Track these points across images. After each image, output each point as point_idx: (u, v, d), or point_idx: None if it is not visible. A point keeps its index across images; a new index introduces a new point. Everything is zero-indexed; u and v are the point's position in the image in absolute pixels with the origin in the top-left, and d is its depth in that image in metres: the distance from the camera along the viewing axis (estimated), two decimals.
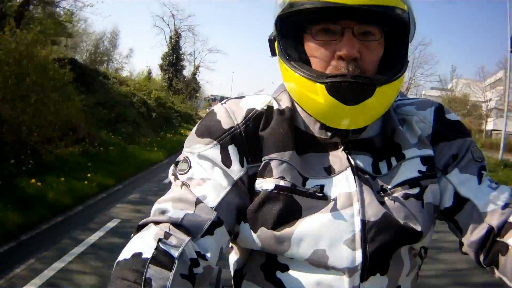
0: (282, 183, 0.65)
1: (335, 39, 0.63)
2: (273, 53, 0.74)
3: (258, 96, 0.74)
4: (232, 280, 0.76)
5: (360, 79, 0.61)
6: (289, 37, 0.68)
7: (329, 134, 0.69)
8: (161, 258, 0.53)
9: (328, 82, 0.61)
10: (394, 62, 0.67)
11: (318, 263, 0.64)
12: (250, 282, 0.72)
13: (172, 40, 29.93)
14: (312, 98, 0.64)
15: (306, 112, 0.71)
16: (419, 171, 0.68)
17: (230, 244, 0.78)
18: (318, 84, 0.62)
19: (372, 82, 0.62)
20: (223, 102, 0.74)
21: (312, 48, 0.65)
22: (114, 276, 0.51)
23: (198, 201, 0.62)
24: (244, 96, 0.75)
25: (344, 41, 0.62)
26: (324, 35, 0.64)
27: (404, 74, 0.67)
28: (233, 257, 0.77)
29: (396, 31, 0.67)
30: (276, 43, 0.71)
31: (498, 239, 0.64)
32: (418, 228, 0.65)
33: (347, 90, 0.61)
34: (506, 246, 0.62)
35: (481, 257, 0.67)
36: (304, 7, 0.61)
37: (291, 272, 0.67)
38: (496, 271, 0.65)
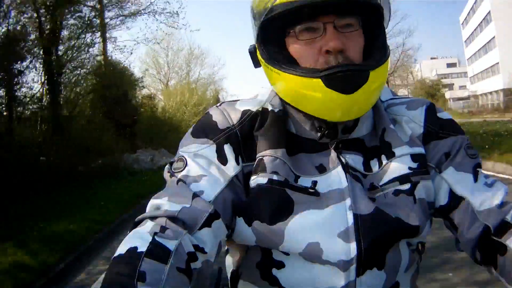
0: (275, 177, 0.66)
1: (318, 35, 0.64)
2: (256, 65, 0.75)
3: (253, 99, 0.76)
4: (229, 281, 0.77)
5: (353, 66, 0.63)
6: (272, 43, 0.69)
7: (319, 134, 0.70)
8: (157, 251, 0.53)
9: (323, 75, 0.61)
10: (375, 49, 0.68)
11: (312, 257, 0.65)
12: (246, 282, 0.72)
13: None
14: (310, 95, 0.64)
15: (297, 115, 0.72)
16: (410, 168, 0.68)
17: (226, 247, 0.78)
18: (314, 79, 0.62)
19: (365, 68, 0.64)
20: (218, 105, 0.76)
21: (297, 48, 0.66)
22: (108, 271, 0.51)
23: (194, 195, 0.63)
24: (238, 100, 0.77)
25: (328, 35, 0.63)
26: (307, 33, 0.65)
27: (389, 57, 0.68)
28: (229, 258, 0.78)
29: (372, 19, 0.69)
30: (258, 53, 0.73)
31: (495, 238, 0.64)
32: (412, 222, 0.66)
33: (343, 79, 0.61)
34: (504, 246, 0.62)
35: (478, 256, 0.67)
36: (286, 7, 0.62)
37: (286, 269, 0.67)
38: (493, 271, 0.65)
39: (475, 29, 40.79)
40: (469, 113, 32.28)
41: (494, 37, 35.12)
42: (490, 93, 37.76)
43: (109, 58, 13.05)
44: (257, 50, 0.73)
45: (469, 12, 42.65)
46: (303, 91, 0.65)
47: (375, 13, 0.68)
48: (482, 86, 39.82)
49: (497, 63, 35.17)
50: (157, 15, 12.77)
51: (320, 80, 0.62)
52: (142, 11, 12.57)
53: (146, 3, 12.50)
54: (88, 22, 10.77)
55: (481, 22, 38.38)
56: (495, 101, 35.41)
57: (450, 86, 52.66)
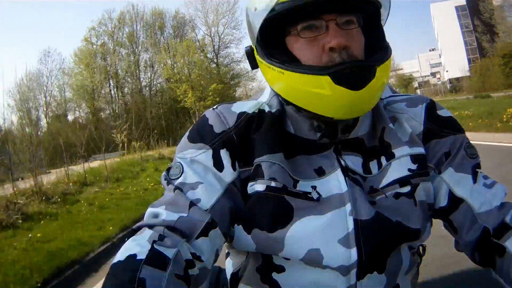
0: (273, 184, 0.65)
1: (321, 33, 0.63)
2: (253, 66, 0.74)
3: (249, 101, 0.75)
4: (228, 284, 0.77)
5: (360, 62, 0.62)
6: (273, 42, 0.68)
7: (318, 135, 0.69)
8: (156, 258, 0.53)
9: (332, 71, 0.60)
10: (377, 46, 0.67)
11: (313, 262, 0.65)
12: (247, 286, 0.72)
13: None
14: (317, 92, 0.62)
15: (295, 115, 0.71)
16: (409, 170, 0.67)
17: (227, 250, 0.78)
18: (322, 76, 0.61)
19: (372, 63, 0.63)
20: (214, 107, 0.75)
21: (300, 47, 0.65)
22: (107, 278, 0.51)
23: (191, 204, 0.63)
24: (235, 102, 0.76)
25: (331, 33, 0.62)
26: (309, 31, 0.64)
27: (391, 55, 0.67)
28: (229, 262, 0.78)
29: (370, 17, 0.68)
30: (256, 54, 0.71)
31: (494, 240, 0.63)
32: (413, 226, 0.65)
33: (352, 75, 0.60)
34: (503, 248, 0.62)
35: (477, 257, 0.67)
36: (289, 6, 0.61)
37: (287, 273, 0.67)
38: (492, 272, 0.65)
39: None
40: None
41: None
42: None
43: None
44: (255, 51, 0.71)
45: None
46: (310, 89, 0.63)
47: (374, 10, 0.67)
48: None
49: None
50: None
51: (328, 77, 0.60)
52: None
53: None
54: None
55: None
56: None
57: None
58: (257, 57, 0.71)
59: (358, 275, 0.64)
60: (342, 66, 0.60)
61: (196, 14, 38.17)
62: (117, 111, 30.88)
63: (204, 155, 0.68)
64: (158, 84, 33.68)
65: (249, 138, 0.69)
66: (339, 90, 0.60)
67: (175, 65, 30.80)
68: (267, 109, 0.72)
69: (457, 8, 46.12)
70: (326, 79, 0.60)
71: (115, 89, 32.17)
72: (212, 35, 33.95)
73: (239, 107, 0.73)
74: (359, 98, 0.62)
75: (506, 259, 0.61)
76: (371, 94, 0.63)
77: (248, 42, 0.76)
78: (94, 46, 31.07)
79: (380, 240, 0.64)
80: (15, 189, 5.64)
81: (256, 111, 0.71)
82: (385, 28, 0.70)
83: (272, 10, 0.62)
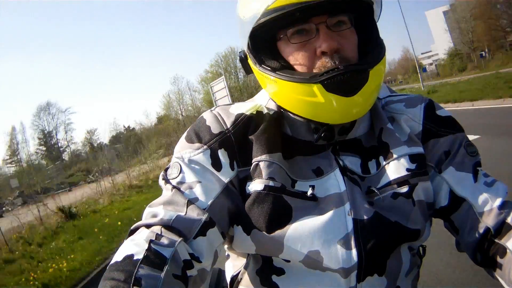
0: (271, 183, 0.64)
1: (311, 37, 0.63)
2: (248, 72, 0.74)
3: (247, 103, 0.75)
4: (228, 286, 0.76)
5: (352, 67, 0.61)
6: (264, 49, 0.67)
7: (316, 137, 0.68)
8: (153, 258, 0.53)
9: (323, 79, 0.60)
10: (370, 46, 0.66)
11: (313, 264, 0.64)
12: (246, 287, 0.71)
13: None
14: (310, 101, 0.62)
15: (293, 117, 0.71)
16: (408, 169, 0.67)
17: (227, 253, 0.77)
18: (314, 84, 0.60)
19: (364, 67, 0.62)
20: (212, 109, 0.75)
21: (291, 52, 0.65)
22: (104, 278, 0.51)
23: (189, 203, 0.62)
24: (233, 103, 0.75)
25: (322, 36, 0.62)
26: (299, 36, 0.63)
27: (385, 53, 0.66)
28: (229, 264, 0.77)
29: (362, 14, 0.67)
30: (250, 60, 0.71)
31: (495, 240, 0.63)
32: (412, 226, 0.64)
33: (344, 81, 0.60)
34: (504, 248, 0.61)
35: (478, 257, 0.66)
36: (279, 12, 0.60)
37: (286, 275, 0.67)
38: (493, 272, 0.64)
39: None
40: None
41: None
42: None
43: None
44: (248, 57, 0.71)
45: None
46: (302, 97, 0.63)
47: (366, 9, 0.66)
48: None
49: None
50: None
51: (320, 85, 0.60)
52: None
53: None
54: None
55: None
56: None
57: None
58: (250, 63, 0.71)
59: (358, 278, 0.63)
60: (333, 73, 0.60)
61: None
62: None
63: (202, 154, 0.68)
64: None
65: (247, 139, 0.69)
66: (332, 97, 0.60)
67: None
68: (265, 110, 0.71)
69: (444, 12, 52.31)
70: (319, 87, 0.61)
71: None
72: None
73: (237, 108, 0.73)
74: (353, 103, 0.62)
75: (508, 259, 0.60)
76: (364, 98, 0.63)
77: None
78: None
79: (380, 241, 0.63)
80: None
81: (254, 112, 0.71)
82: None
83: (263, 15, 0.62)
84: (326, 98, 0.61)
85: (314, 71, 0.63)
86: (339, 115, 0.64)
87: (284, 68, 0.65)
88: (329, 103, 0.61)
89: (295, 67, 0.64)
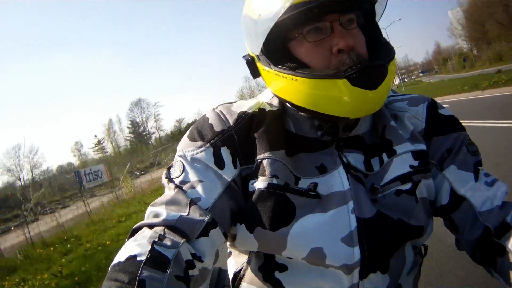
0: (275, 181, 0.64)
1: (326, 35, 0.63)
2: (255, 75, 0.74)
3: (249, 101, 0.74)
4: (230, 284, 0.76)
5: (373, 62, 0.62)
6: (277, 50, 0.67)
7: (319, 133, 0.68)
8: (156, 259, 0.53)
9: (349, 74, 0.60)
10: (380, 44, 0.67)
11: (316, 261, 0.64)
12: (249, 285, 0.71)
13: None
14: (335, 97, 0.62)
15: (296, 113, 0.70)
16: (411, 166, 0.67)
17: (229, 250, 0.77)
18: (339, 80, 0.60)
19: (384, 62, 0.63)
20: (214, 107, 0.74)
21: (307, 51, 0.64)
22: (107, 279, 0.51)
23: (191, 203, 0.62)
24: (235, 102, 0.75)
25: (337, 34, 0.62)
26: (314, 34, 0.63)
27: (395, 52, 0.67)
28: (231, 261, 0.77)
29: (365, 13, 0.68)
30: (258, 62, 0.71)
31: (495, 239, 0.63)
32: (415, 223, 0.64)
33: (368, 76, 0.61)
34: (503, 248, 0.61)
35: (477, 256, 0.66)
36: (296, 9, 0.60)
37: (289, 272, 0.66)
38: (493, 271, 0.64)
39: None
40: None
41: None
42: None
43: None
44: (255, 60, 0.71)
45: None
46: (326, 93, 0.62)
47: (370, 8, 0.68)
48: None
49: None
50: None
51: (346, 80, 0.60)
52: None
53: None
54: None
55: None
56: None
57: None
58: (260, 65, 0.70)
59: (361, 274, 0.63)
60: (357, 68, 0.60)
61: None
62: None
63: (205, 153, 0.67)
64: None
65: (250, 137, 0.68)
66: (357, 92, 0.61)
67: None
68: (267, 108, 0.71)
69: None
70: (344, 82, 0.61)
71: None
72: None
73: (239, 106, 0.72)
74: (376, 97, 0.62)
75: (507, 259, 0.61)
76: (383, 92, 0.64)
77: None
78: None
79: (383, 239, 0.63)
80: None
81: (257, 110, 0.71)
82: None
83: (280, 15, 0.61)
84: (353, 92, 0.61)
85: (331, 68, 0.63)
86: (361, 109, 0.64)
87: (300, 67, 0.65)
88: (355, 97, 0.61)
89: (311, 65, 0.64)
